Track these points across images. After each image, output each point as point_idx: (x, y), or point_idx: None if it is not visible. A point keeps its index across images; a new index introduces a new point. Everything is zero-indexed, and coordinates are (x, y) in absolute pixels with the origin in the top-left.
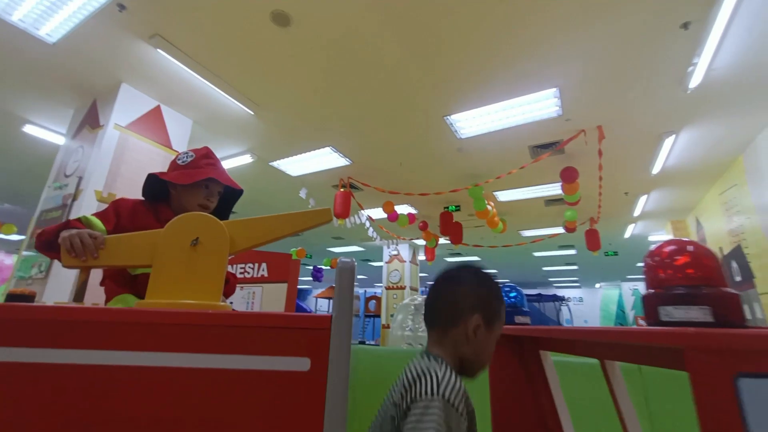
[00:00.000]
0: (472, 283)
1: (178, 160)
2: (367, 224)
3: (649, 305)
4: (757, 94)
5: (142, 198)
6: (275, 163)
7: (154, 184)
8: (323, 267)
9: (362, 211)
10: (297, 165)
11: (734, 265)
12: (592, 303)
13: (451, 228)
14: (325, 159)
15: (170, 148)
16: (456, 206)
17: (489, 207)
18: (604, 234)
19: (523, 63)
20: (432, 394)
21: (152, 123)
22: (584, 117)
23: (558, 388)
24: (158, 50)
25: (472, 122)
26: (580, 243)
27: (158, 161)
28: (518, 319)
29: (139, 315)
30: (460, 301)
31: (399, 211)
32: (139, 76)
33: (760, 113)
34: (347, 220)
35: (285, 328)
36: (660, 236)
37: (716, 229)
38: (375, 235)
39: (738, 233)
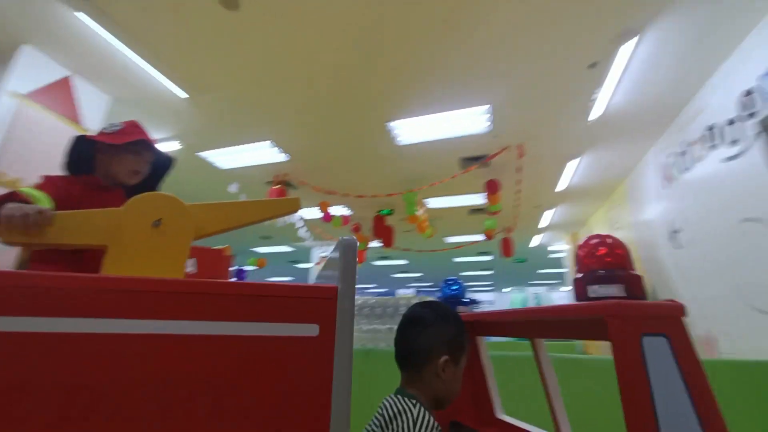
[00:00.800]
0: (437, 323)
1: (105, 129)
2: (300, 224)
3: (579, 285)
4: (640, 129)
5: (65, 173)
6: (204, 154)
7: (76, 154)
8: (247, 268)
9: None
10: (228, 158)
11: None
12: (501, 305)
13: (384, 231)
14: (261, 153)
15: (79, 124)
16: (389, 210)
17: (419, 213)
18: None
19: (462, 78)
20: None
21: (59, 94)
22: (509, 135)
23: (492, 373)
24: (79, 13)
25: (411, 130)
26: (496, 250)
27: (65, 138)
28: (459, 309)
29: (156, 284)
30: (428, 344)
31: (333, 212)
32: (49, 39)
33: (641, 145)
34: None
35: (295, 297)
36: (560, 246)
37: None
38: (306, 235)
39: None
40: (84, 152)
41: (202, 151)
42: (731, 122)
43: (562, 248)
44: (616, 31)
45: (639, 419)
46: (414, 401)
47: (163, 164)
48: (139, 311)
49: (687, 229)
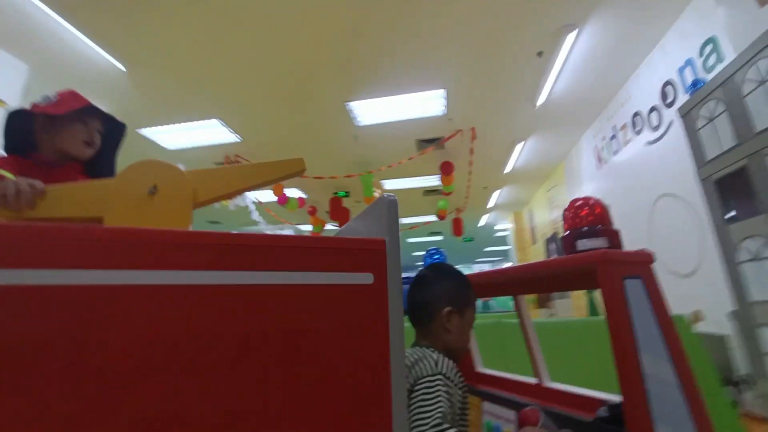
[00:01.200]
0: (438, 280)
1: (38, 103)
2: (252, 207)
3: (568, 241)
4: (576, 115)
5: (5, 154)
6: (146, 132)
7: (15, 132)
8: None
9: (248, 193)
10: (174, 136)
11: (553, 245)
12: None
13: (340, 213)
14: (210, 133)
15: None
16: (345, 192)
17: (377, 194)
18: (465, 223)
19: (419, 63)
20: (433, 372)
21: None
22: (463, 118)
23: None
24: None
25: (370, 111)
26: (447, 230)
27: None
28: None
29: (226, 237)
30: (431, 301)
31: (289, 195)
32: None
33: (576, 131)
34: (231, 201)
35: (349, 249)
36: (505, 225)
37: (543, 219)
38: (259, 219)
39: (556, 222)
40: (23, 129)
41: (143, 128)
42: (653, 109)
43: (507, 227)
44: (559, 23)
45: (624, 343)
46: (431, 348)
47: (115, 132)
48: (213, 263)
49: (615, 205)
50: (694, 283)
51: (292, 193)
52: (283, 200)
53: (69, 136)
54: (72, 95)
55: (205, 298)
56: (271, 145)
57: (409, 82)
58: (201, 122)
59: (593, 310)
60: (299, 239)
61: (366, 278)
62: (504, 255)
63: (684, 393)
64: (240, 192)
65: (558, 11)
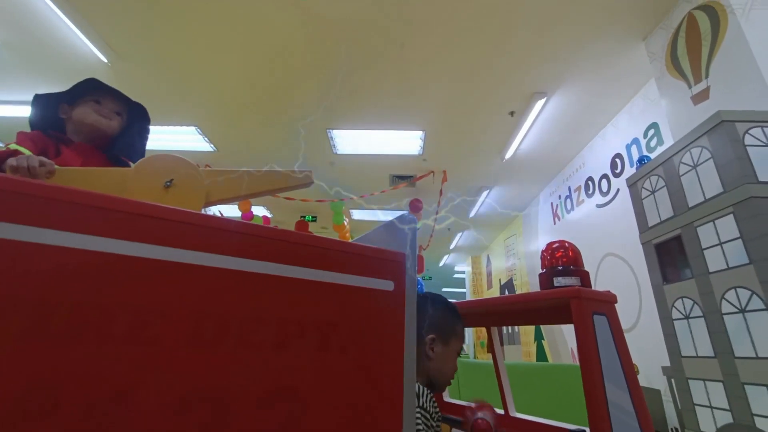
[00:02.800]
0: (425, 308)
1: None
2: None
3: (545, 277)
4: (537, 173)
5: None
6: None
7: (38, 116)
8: None
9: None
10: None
11: (506, 292)
12: None
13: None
14: (185, 139)
15: None
16: (313, 217)
17: (345, 222)
18: (426, 261)
19: (404, 104)
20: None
21: None
22: (437, 160)
23: None
24: None
25: (350, 141)
26: None
27: None
28: None
29: (268, 231)
30: (418, 326)
31: (255, 212)
32: None
33: (537, 187)
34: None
35: (377, 258)
36: (463, 267)
37: (499, 265)
38: None
39: (512, 270)
40: (50, 117)
41: None
42: (604, 177)
43: (465, 269)
44: (532, 90)
45: (592, 371)
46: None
47: (141, 121)
48: (255, 253)
49: None
50: (634, 337)
51: (258, 210)
52: (249, 217)
53: (81, 110)
54: (88, 80)
55: (255, 285)
56: (244, 159)
57: (391, 121)
58: (178, 128)
59: (542, 356)
60: (337, 243)
61: (388, 285)
62: (461, 297)
63: (639, 422)
64: (248, 197)
65: (531, 79)
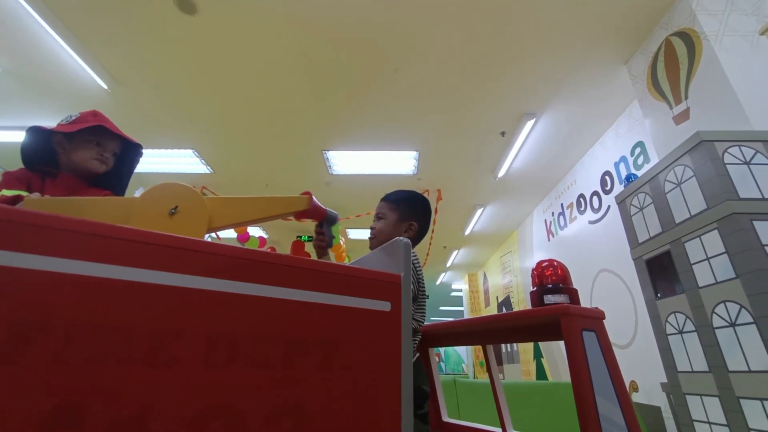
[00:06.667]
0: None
1: (62, 121)
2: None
3: (536, 295)
4: (530, 191)
5: (23, 168)
6: None
7: (32, 147)
8: None
9: None
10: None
11: (504, 309)
12: None
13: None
14: (181, 162)
15: None
16: (309, 237)
17: (341, 242)
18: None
19: (399, 125)
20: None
21: None
22: (431, 179)
23: (440, 382)
24: None
25: (345, 161)
26: None
27: None
28: None
29: (271, 257)
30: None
31: (251, 233)
32: None
33: (530, 204)
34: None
35: (374, 280)
36: (460, 285)
37: (496, 282)
38: None
39: (509, 287)
40: (41, 146)
41: None
42: (594, 194)
43: (462, 287)
44: (522, 111)
45: (583, 386)
46: None
47: (132, 153)
48: (262, 278)
49: None
50: (632, 354)
51: (254, 231)
52: (245, 238)
53: (81, 153)
54: (93, 115)
55: (262, 308)
56: (240, 180)
57: (386, 141)
58: (175, 151)
59: (542, 375)
60: (337, 267)
61: (385, 306)
62: (459, 315)
63: None
64: (250, 223)
65: (521, 100)
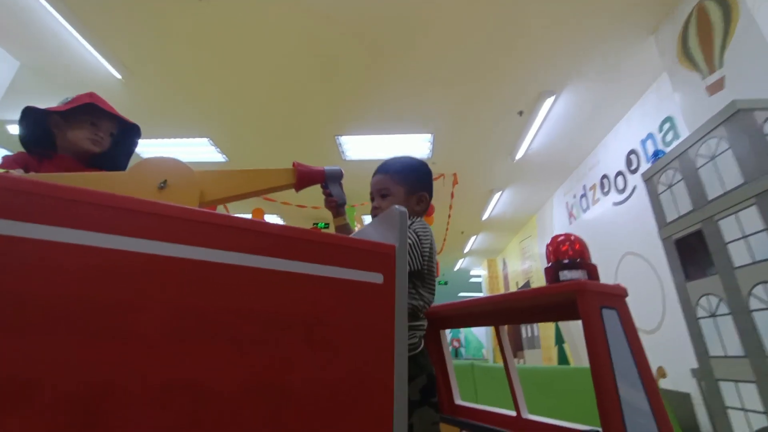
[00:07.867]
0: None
1: (61, 102)
2: None
3: (551, 272)
4: (550, 173)
5: (23, 151)
6: None
7: (29, 128)
8: None
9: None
10: (159, 150)
11: None
12: None
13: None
14: (197, 150)
15: None
16: (325, 224)
17: (357, 228)
18: (441, 265)
19: (412, 108)
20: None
21: None
22: (446, 163)
23: (452, 364)
24: None
25: (359, 147)
26: None
27: None
28: None
29: (259, 225)
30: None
31: (267, 220)
32: None
33: (550, 187)
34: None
35: (365, 250)
36: (479, 271)
37: (515, 268)
38: None
39: (529, 272)
40: (38, 126)
41: None
42: (619, 174)
43: (481, 273)
44: (540, 89)
45: (602, 368)
46: None
47: (131, 134)
48: (239, 246)
49: None
50: (659, 339)
51: (271, 219)
52: None
53: (75, 132)
54: (88, 96)
55: (237, 277)
56: (256, 167)
57: (399, 125)
58: (190, 140)
59: (563, 360)
60: (323, 235)
61: (377, 278)
62: None
63: (656, 423)
64: (241, 197)
65: (539, 78)
